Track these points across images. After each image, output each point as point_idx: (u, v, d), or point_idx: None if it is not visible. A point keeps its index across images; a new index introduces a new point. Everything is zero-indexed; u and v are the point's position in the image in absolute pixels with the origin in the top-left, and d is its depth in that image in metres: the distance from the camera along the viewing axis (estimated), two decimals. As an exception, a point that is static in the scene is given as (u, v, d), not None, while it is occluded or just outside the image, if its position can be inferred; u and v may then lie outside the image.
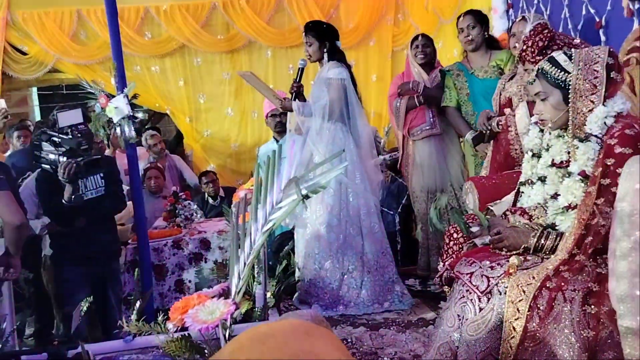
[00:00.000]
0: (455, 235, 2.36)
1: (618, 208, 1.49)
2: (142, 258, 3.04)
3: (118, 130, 2.88)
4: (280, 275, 3.21)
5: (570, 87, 1.84)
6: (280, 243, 3.66)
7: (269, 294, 2.89)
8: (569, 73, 1.84)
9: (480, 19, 3.40)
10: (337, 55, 3.36)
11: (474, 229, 2.18)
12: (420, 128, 3.69)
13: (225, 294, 1.09)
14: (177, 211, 3.95)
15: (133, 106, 2.91)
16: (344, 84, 3.33)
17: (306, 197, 0.96)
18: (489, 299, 1.74)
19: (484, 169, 3.25)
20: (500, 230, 1.99)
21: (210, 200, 5.01)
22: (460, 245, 2.31)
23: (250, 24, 6.12)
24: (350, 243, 3.32)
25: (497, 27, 3.95)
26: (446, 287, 2.20)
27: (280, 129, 4.09)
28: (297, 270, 3.34)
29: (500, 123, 3.00)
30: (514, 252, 1.89)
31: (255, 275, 2.59)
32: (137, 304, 1.80)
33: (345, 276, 3.28)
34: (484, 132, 3.09)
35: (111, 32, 2.94)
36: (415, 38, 3.75)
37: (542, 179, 2.10)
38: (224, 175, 6.00)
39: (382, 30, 6.42)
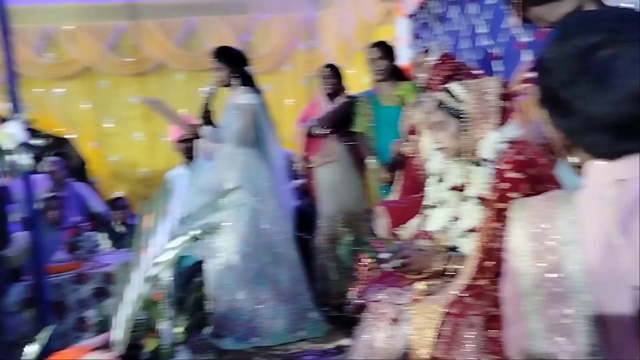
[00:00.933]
0: (364, 261, 2.38)
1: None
2: (39, 295, 2.83)
3: (11, 158, 2.68)
4: (190, 308, 3.07)
5: (465, 116, 1.91)
6: (191, 274, 3.50)
7: (177, 330, 2.75)
8: (464, 102, 1.92)
9: (388, 50, 3.52)
10: (248, 81, 3.33)
11: (383, 256, 2.19)
12: (317, 155, 3.77)
13: (109, 344, 1.00)
14: (78, 243, 3.70)
15: (33, 131, 2.72)
16: (255, 110, 3.30)
17: (197, 238, 0.90)
18: (397, 327, 1.75)
19: (394, 193, 3.34)
20: (408, 254, 2.02)
21: (119, 229, 4.76)
22: (369, 271, 2.32)
23: (160, 47, 5.97)
24: (265, 272, 3.25)
25: (403, 57, 4.10)
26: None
27: (190, 155, 3.98)
28: (209, 302, 3.22)
29: (408, 149, 3.10)
30: (420, 277, 1.92)
31: (162, 311, 2.46)
32: (30, 348, 1.63)
33: (259, 306, 3.20)
34: (396, 158, 3.18)
35: (4, 52, 2.76)
36: (323, 68, 3.85)
37: (445, 203, 2.17)
38: (134, 203, 5.74)
39: (297, 56, 6.49)
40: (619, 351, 0.74)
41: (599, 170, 0.78)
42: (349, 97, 3.70)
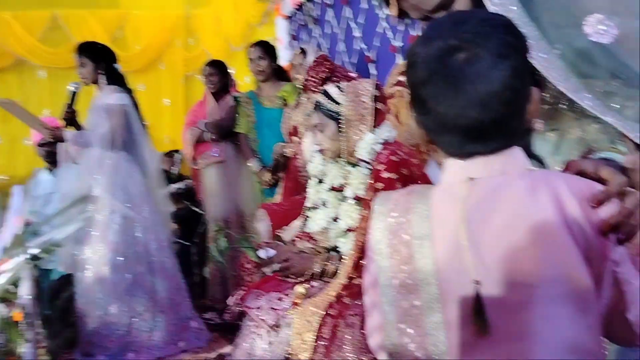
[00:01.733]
0: (247, 266, 2.32)
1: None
2: None
3: None
4: (57, 327, 2.81)
5: (342, 117, 1.92)
6: (58, 289, 3.21)
7: (42, 352, 2.50)
8: (341, 105, 1.93)
9: (268, 50, 3.45)
10: (117, 79, 3.10)
11: (262, 254, 2.15)
12: (205, 155, 3.66)
13: None
14: None
15: None
16: (125, 110, 3.09)
17: (35, 258, 0.78)
18: (277, 333, 1.71)
19: (277, 195, 3.31)
20: (288, 257, 1.99)
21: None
22: (252, 276, 2.27)
23: (19, 41, 5.44)
24: (140, 282, 3.05)
25: (283, 57, 4.09)
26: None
27: (52, 160, 3.63)
28: (78, 318, 2.96)
29: (290, 150, 3.08)
30: (301, 279, 1.90)
31: (22, 332, 2.21)
32: None
33: (135, 319, 3.00)
34: (279, 160, 3.15)
35: None
36: (205, 66, 3.73)
37: (325, 203, 2.18)
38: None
39: (173, 54, 6.26)
40: (465, 348, 0.76)
41: (453, 168, 0.82)
42: (234, 97, 3.61)
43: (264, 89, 3.51)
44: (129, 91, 3.16)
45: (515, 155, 0.80)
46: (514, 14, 0.88)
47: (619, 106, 0.92)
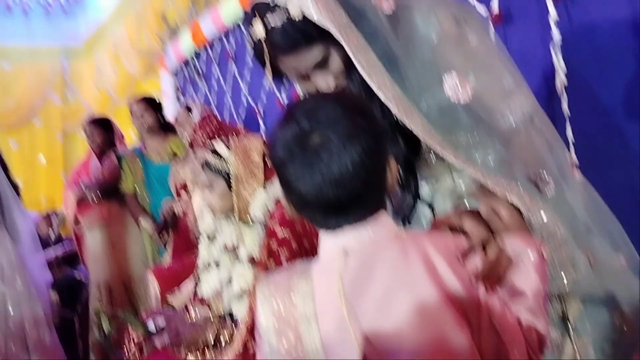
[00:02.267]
0: (135, 339, 2.15)
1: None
2: None
3: None
4: None
5: (231, 175, 1.89)
6: None
7: None
8: (229, 162, 1.90)
9: (152, 104, 3.36)
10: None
11: (150, 326, 2.01)
12: (87, 216, 3.42)
13: None
14: None
15: None
16: (-9, 172, 2.82)
17: None
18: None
19: (167, 256, 3.17)
20: (179, 327, 1.87)
21: None
22: (141, 349, 2.10)
23: None
24: (13, 364, 2.72)
25: (169, 110, 4.00)
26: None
27: None
28: None
29: (179, 207, 2.98)
30: (194, 350, 1.79)
31: None
32: None
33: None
34: (167, 218, 3.02)
35: None
36: (86, 124, 3.56)
37: (218, 264, 2.10)
38: None
39: (49, 109, 5.91)
40: None
41: (327, 242, 0.84)
42: (117, 155, 3.43)
43: (150, 144, 3.38)
44: (-5, 151, 2.90)
45: (382, 222, 0.83)
46: (377, 75, 0.93)
47: (479, 158, 0.98)
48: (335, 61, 1.03)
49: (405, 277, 0.78)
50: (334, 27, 0.94)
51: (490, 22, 1.79)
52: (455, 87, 0.97)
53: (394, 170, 0.85)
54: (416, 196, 1.04)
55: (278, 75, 1.11)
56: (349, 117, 0.81)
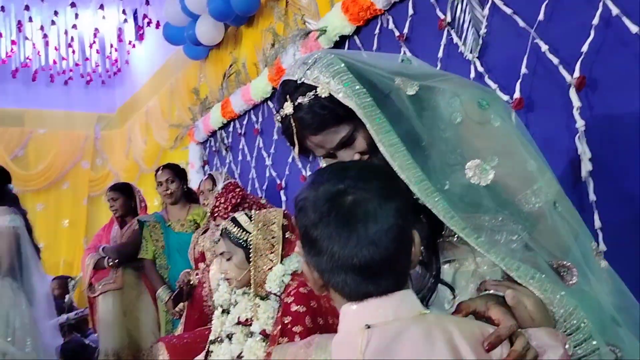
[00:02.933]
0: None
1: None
2: None
3: None
4: None
5: (251, 246, 1.88)
6: None
7: None
8: (250, 233, 1.90)
9: (178, 172, 3.42)
10: (7, 200, 2.91)
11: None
12: (102, 282, 3.43)
13: None
14: None
15: None
16: (16, 233, 2.86)
17: None
18: None
19: (180, 326, 3.11)
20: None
21: None
22: None
23: None
24: None
25: (194, 181, 4.07)
26: None
27: None
28: None
29: (197, 277, 2.96)
30: None
31: None
32: None
33: None
34: (183, 288, 2.99)
35: None
36: (108, 191, 3.63)
37: (230, 337, 2.05)
38: None
39: (78, 174, 6.07)
40: None
41: (349, 315, 0.82)
42: (139, 220, 3.47)
43: (172, 212, 3.42)
44: (22, 212, 2.96)
45: (407, 299, 0.81)
46: (399, 156, 0.94)
47: (502, 243, 0.97)
48: (361, 140, 1.04)
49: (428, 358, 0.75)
50: (359, 108, 0.96)
51: (512, 108, 1.82)
52: (477, 170, 0.97)
53: (417, 243, 0.84)
54: (438, 277, 1.02)
55: (304, 152, 1.12)
56: (380, 178, 0.81)
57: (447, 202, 0.93)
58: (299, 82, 1.02)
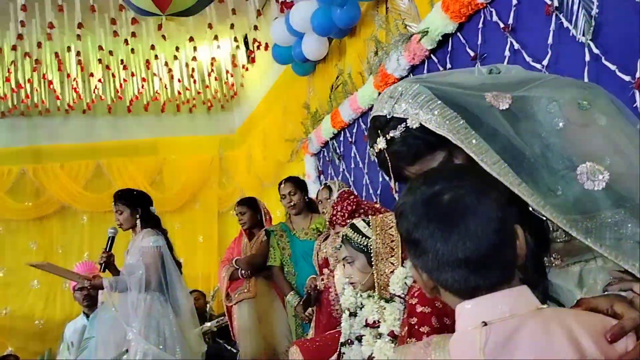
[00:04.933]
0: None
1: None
2: None
3: None
4: None
5: (371, 251, 1.94)
6: None
7: None
8: (369, 238, 1.96)
9: (299, 185, 3.58)
10: (151, 222, 3.24)
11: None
12: (237, 291, 3.68)
13: None
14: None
15: None
16: (160, 252, 3.18)
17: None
18: None
19: (311, 330, 3.24)
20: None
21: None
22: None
23: (64, 189, 5.80)
24: None
25: (312, 191, 4.23)
26: None
27: (89, 303, 3.69)
28: None
29: (323, 282, 3.07)
30: None
31: None
32: None
33: None
34: (311, 294, 3.12)
35: None
36: (236, 206, 3.87)
37: (360, 339, 2.12)
38: (26, 360, 5.15)
39: (207, 193, 6.54)
40: None
41: (464, 314, 0.83)
42: (267, 230, 3.70)
43: (296, 222, 3.58)
44: (164, 232, 3.27)
45: (522, 293, 0.81)
46: (505, 173, 0.91)
47: (622, 238, 0.90)
48: (460, 162, 1.03)
49: (548, 354, 0.74)
50: (452, 133, 0.94)
51: (636, 89, 1.71)
52: (590, 174, 0.92)
53: (521, 237, 0.84)
54: (546, 294, 0.94)
55: (404, 180, 1.11)
56: (474, 175, 0.84)
57: (560, 207, 0.90)
58: (388, 116, 1.03)
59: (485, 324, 0.79)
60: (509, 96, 0.98)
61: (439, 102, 0.97)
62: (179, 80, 6.05)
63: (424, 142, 1.01)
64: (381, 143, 1.04)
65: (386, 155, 1.05)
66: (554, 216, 0.89)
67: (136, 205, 3.21)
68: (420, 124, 0.98)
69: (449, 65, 2.70)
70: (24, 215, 5.64)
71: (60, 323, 5.42)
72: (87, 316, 3.75)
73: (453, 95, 0.98)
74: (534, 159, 0.95)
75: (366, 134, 3.62)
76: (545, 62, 2.08)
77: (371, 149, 1.09)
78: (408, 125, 1.00)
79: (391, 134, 1.02)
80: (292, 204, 3.51)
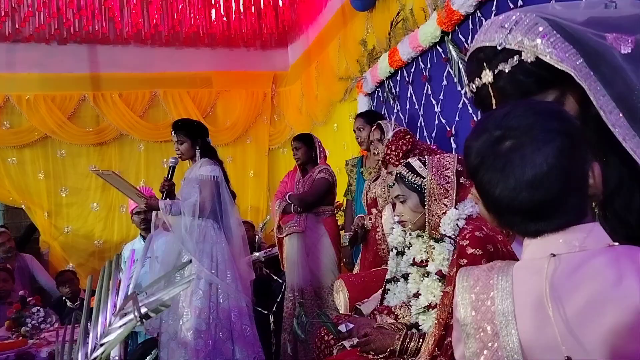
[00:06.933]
0: (325, 338, 2.31)
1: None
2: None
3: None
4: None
5: (425, 191, 1.94)
6: (143, 352, 3.33)
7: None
8: (424, 178, 1.95)
9: (369, 120, 3.46)
10: (209, 153, 3.32)
11: (342, 328, 2.15)
12: (287, 225, 3.76)
13: None
14: (23, 319, 3.47)
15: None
16: (216, 181, 3.28)
17: (146, 317, 0.84)
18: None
19: (356, 266, 3.32)
20: (368, 332, 1.97)
21: (69, 303, 4.50)
22: (330, 348, 2.25)
23: (122, 118, 5.98)
24: (220, 349, 3.10)
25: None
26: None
27: (146, 226, 3.88)
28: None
29: (370, 221, 3.11)
30: (381, 355, 1.87)
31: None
32: None
33: (213, 386, 3.03)
34: (358, 232, 3.17)
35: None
36: (292, 141, 3.91)
37: (406, 277, 2.16)
38: (85, 276, 5.50)
39: (259, 129, 6.59)
40: None
41: (533, 245, 0.84)
42: (324, 169, 3.74)
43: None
44: (220, 163, 3.36)
45: (594, 231, 0.81)
46: (620, 126, 0.85)
47: None
48: (570, 105, 0.95)
49: (615, 291, 0.74)
50: (572, 69, 0.86)
51: None
52: None
53: (597, 177, 0.82)
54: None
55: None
56: (542, 121, 0.81)
57: None
58: (499, 47, 0.93)
59: (554, 256, 0.80)
60: (632, 39, 0.89)
61: (558, 35, 0.88)
62: (235, 13, 5.99)
63: (536, 78, 0.92)
64: (487, 77, 0.96)
65: (490, 91, 0.96)
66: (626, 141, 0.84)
67: (196, 136, 3.30)
68: (537, 57, 0.89)
69: (520, 2, 2.56)
70: (84, 141, 5.87)
71: (117, 243, 5.75)
72: (144, 238, 3.97)
73: (572, 30, 0.89)
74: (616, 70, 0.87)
75: (425, 74, 3.55)
76: None
77: (470, 84, 1.01)
78: (522, 58, 0.91)
79: (500, 67, 0.93)
80: (359, 140, 3.50)
